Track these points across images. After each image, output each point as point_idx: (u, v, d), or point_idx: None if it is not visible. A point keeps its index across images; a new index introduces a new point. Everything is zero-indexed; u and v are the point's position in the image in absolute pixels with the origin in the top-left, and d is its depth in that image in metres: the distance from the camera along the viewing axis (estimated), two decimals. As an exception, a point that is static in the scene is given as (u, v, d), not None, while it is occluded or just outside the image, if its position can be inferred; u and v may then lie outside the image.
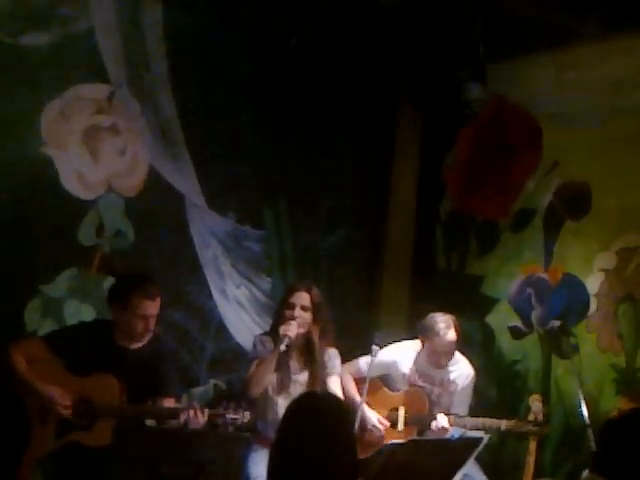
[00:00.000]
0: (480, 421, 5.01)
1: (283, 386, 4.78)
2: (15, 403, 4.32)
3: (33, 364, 4.33)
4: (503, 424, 4.94)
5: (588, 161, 5.78)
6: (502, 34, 5.59)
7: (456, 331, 5.07)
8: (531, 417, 4.95)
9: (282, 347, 4.64)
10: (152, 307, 4.41)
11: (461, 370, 5.22)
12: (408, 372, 5.20)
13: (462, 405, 5.20)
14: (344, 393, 4.95)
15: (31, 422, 4.31)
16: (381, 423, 5.09)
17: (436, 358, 5.13)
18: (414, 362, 5.21)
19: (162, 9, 5.53)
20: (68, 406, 4.27)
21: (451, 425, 4.93)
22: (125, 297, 4.38)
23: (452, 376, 5.19)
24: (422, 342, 5.17)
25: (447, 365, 5.17)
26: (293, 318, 4.74)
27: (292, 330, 4.68)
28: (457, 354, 5.21)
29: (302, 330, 4.77)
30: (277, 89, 5.95)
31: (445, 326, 5.04)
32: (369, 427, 5.05)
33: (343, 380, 5.03)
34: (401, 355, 5.21)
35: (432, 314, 5.13)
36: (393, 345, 5.22)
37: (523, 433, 4.95)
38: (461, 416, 5.05)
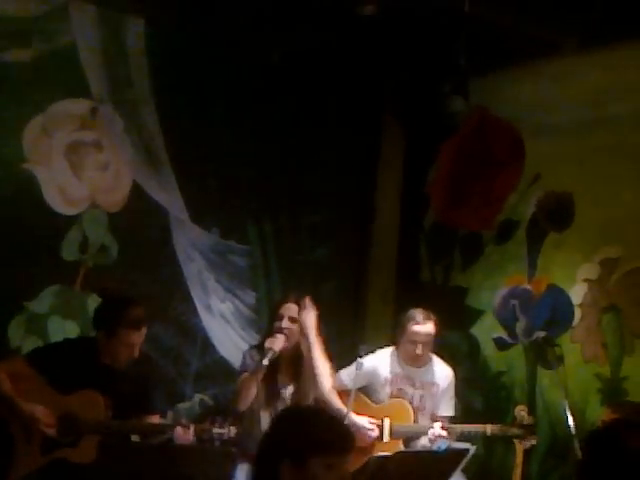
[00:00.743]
0: (466, 427, 5.08)
1: (270, 401, 4.74)
2: (-1, 421, 4.30)
3: (17, 383, 4.30)
4: (488, 429, 5.01)
5: (570, 173, 5.82)
6: (484, 47, 5.62)
7: (435, 326, 5.12)
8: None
9: (265, 361, 4.58)
10: (138, 336, 4.41)
11: (440, 372, 5.27)
12: (388, 376, 5.22)
13: (447, 406, 5.26)
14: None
15: (16, 440, 4.28)
16: (371, 424, 5.07)
17: (413, 349, 5.13)
18: (392, 363, 5.23)
19: (144, 25, 5.55)
20: (52, 424, 4.24)
21: (445, 431, 4.96)
22: (111, 327, 4.37)
23: (432, 378, 5.24)
24: (401, 334, 5.17)
25: (422, 363, 5.20)
26: (281, 329, 4.71)
27: (277, 344, 4.65)
28: (434, 357, 5.26)
29: (290, 343, 4.74)
30: (260, 105, 5.96)
31: (424, 317, 5.12)
32: (361, 431, 5.03)
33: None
34: (379, 360, 5.23)
35: (412, 309, 5.20)
36: (370, 354, 5.22)
37: (508, 437, 4.99)
38: (448, 421, 5.10)
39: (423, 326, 5.12)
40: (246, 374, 4.71)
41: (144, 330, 4.43)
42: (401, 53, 6.04)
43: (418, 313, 5.15)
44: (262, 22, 5.68)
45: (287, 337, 4.71)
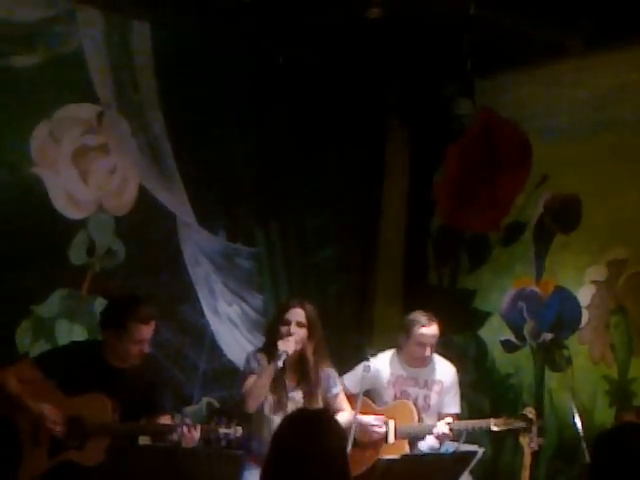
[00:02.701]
0: (470, 423, 5.08)
1: (280, 404, 4.72)
2: (7, 424, 4.30)
3: (24, 385, 4.30)
4: (492, 423, 4.98)
5: (577, 174, 5.81)
6: (489, 49, 5.62)
7: (439, 329, 5.15)
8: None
9: (279, 363, 4.60)
10: (147, 331, 4.41)
11: (442, 369, 5.29)
12: (391, 378, 5.23)
13: (453, 403, 5.27)
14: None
15: (23, 443, 4.28)
16: (377, 420, 5.09)
17: (422, 352, 5.15)
18: (394, 366, 5.24)
19: (150, 29, 5.56)
20: (59, 422, 4.25)
21: (450, 430, 4.97)
22: (120, 322, 4.35)
23: (435, 376, 5.25)
24: (406, 338, 5.19)
25: (427, 363, 5.21)
26: (290, 334, 4.71)
27: (290, 346, 4.65)
28: (436, 356, 5.27)
29: (297, 347, 4.75)
30: (266, 107, 5.97)
31: (428, 319, 5.15)
32: (367, 428, 5.03)
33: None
34: (381, 363, 5.23)
35: (414, 312, 5.22)
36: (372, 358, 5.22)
37: (513, 430, 4.95)
38: (454, 418, 5.11)
39: (429, 328, 5.15)
40: (254, 376, 4.69)
41: (153, 324, 4.42)
42: (407, 55, 6.05)
43: (422, 316, 5.17)
44: (268, 25, 5.69)
45: (296, 341, 4.71)
